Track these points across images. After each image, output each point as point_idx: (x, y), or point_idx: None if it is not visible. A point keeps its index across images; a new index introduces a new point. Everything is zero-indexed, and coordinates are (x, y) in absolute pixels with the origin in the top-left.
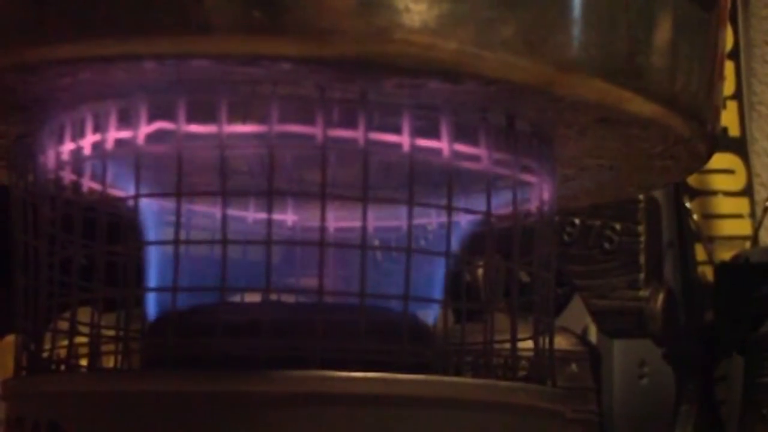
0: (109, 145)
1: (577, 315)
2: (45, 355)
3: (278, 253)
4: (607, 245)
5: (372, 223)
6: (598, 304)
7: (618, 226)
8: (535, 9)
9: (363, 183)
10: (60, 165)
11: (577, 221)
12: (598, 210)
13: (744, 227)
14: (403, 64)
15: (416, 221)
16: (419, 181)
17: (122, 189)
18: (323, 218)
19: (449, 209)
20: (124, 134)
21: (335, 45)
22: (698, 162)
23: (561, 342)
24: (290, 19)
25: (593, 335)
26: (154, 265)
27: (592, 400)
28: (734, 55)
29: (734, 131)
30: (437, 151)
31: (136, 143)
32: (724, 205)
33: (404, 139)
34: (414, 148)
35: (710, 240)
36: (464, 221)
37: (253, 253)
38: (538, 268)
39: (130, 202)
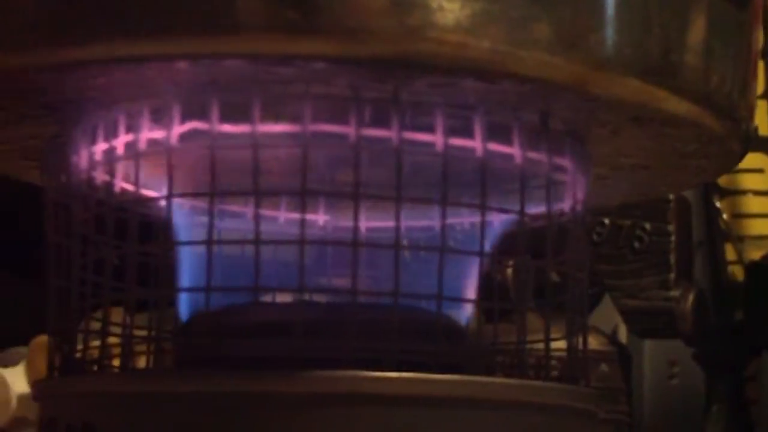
0: (142, 145)
1: (607, 315)
2: (77, 355)
3: (310, 253)
4: (637, 245)
5: (403, 223)
6: (629, 304)
7: (648, 226)
8: (569, 7)
9: (396, 182)
10: (92, 165)
11: (606, 221)
12: (628, 210)
13: None
14: (436, 63)
15: (448, 221)
16: (451, 180)
17: (155, 189)
18: (356, 218)
19: (483, 208)
20: (157, 134)
21: (368, 44)
22: (732, 161)
23: (591, 342)
24: (323, 19)
25: (623, 335)
26: (187, 265)
27: (622, 401)
28: (765, 54)
29: (764, 130)
30: (470, 150)
31: (169, 143)
32: (753, 204)
33: (437, 138)
34: (447, 147)
35: (740, 239)
36: (497, 221)
37: (284, 253)
38: (570, 268)
39: (163, 202)
